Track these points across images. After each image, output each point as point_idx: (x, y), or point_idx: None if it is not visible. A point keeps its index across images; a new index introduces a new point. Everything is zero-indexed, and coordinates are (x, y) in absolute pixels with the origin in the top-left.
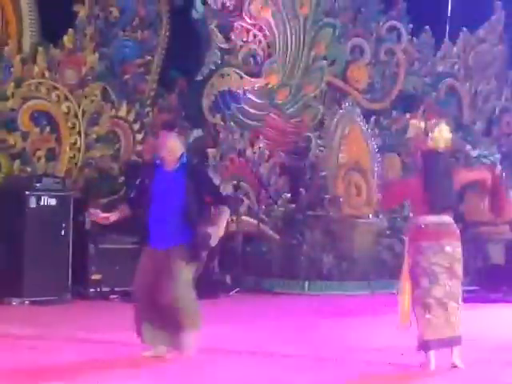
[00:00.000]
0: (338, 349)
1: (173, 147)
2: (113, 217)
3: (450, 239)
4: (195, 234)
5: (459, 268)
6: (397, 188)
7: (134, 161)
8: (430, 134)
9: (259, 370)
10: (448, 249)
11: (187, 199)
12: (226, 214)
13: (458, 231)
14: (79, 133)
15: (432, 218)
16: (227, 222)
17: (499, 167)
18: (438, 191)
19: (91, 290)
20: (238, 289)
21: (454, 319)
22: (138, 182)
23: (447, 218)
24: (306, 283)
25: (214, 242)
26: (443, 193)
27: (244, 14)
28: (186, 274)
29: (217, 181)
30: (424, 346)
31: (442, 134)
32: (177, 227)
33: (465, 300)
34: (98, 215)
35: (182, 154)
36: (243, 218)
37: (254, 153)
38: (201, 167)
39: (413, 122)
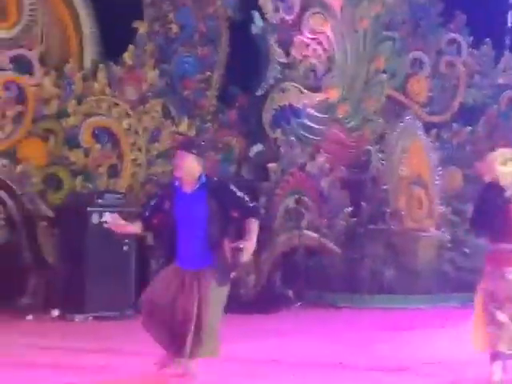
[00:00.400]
0: (402, 360)
1: (190, 168)
2: (130, 228)
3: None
4: (221, 256)
5: None
6: None
7: None
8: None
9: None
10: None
11: (209, 221)
12: (255, 226)
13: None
14: (140, 149)
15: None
16: (289, 237)
17: None
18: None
19: None
20: (300, 303)
21: None
22: (153, 203)
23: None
24: (368, 297)
25: (246, 258)
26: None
27: (303, 28)
28: (217, 296)
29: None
30: (494, 356)
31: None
32: (203, 249)
33: None
34: (116, 221)
35: (200, 175)
36: (305, 231)
37: (315, 167)
38: (223, 182)
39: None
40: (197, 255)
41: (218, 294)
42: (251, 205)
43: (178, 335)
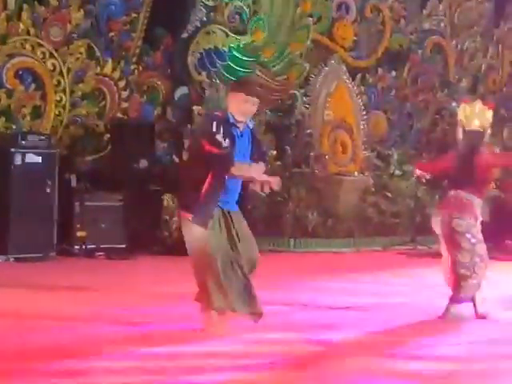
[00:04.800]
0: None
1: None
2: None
3: (469, 214)
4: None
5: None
6: (442, 158)
7: (119, 118)
8: (463, 114)
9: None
10: (470, 221)
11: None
12: (261, 167)
13: (477, 210)
14: (64, 90)
15: (458, 192)
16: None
17: None
18: (462, 168)
19: (76, 247)
20: None
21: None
22: (222, 137)
23: (469, 195)
24: (292, 241)
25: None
26: (465, 171)
27: None
28: None
29: None
30: (457, 300)
31: (476, 115)
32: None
33: None
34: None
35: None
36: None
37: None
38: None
39: (462, 104)
40: (236, 196)
41: None
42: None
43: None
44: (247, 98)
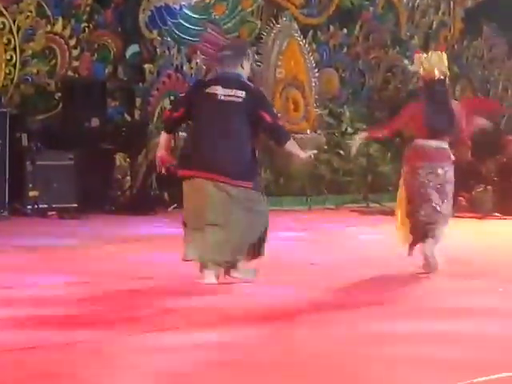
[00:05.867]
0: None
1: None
2: None
3: (442, 162)
4: None
5: (450, 190)
6: (402, 113)
7: (70, 77)
8: (423, 64)
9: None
10: (440, 171)
11: None
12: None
13: (452, 156)
14: (14, 49)
15: (428, 142)
16: None
17: None
18: (435, 117)
19: (28, 206)
20: (175, 204)
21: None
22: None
23: (442, 143)
24: None
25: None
26: (440, 118)
27: None
28: None
29: None
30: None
31: (434, 63)
32: None
33: None
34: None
35: None
36: (181, 134)
37: (191, 68)
38: None
39: (416, 55)
40: None
41: None
42: None
43: None
44: None
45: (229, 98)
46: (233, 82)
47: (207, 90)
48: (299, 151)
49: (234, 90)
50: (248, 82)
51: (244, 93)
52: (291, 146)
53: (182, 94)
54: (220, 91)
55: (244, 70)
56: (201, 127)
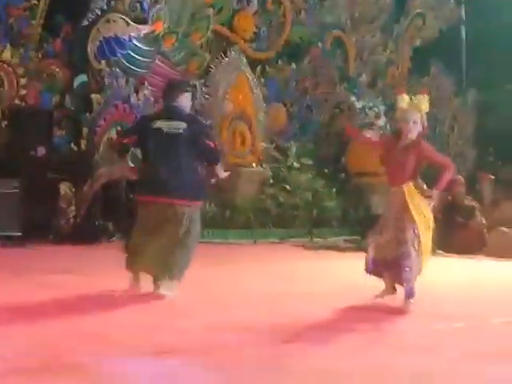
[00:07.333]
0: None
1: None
2: None
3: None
4: None
5: None
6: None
7: (17, 105)
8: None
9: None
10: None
11: None
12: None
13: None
14: None
15: None
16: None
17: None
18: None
19: None
20: (119, 235)
21: None
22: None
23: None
24: None
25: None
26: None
27: None
28: None
29: None
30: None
31: (423, 109)
32: None
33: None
34: None
35: None
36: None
37: (139, 99)
38: None
39: (400, 96)
40: None
41: None
42: None
43: None
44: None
45: (173, 131)
46: (175, 114)
47: (153, 126)
48: (220, 171)
49: (177, 122)
50: (188, 113)
51: (185, 124)
52: (218, 167)
53: (131, 126)
54: (164, 125)
55: (184, 104)
56: (153, 158)
